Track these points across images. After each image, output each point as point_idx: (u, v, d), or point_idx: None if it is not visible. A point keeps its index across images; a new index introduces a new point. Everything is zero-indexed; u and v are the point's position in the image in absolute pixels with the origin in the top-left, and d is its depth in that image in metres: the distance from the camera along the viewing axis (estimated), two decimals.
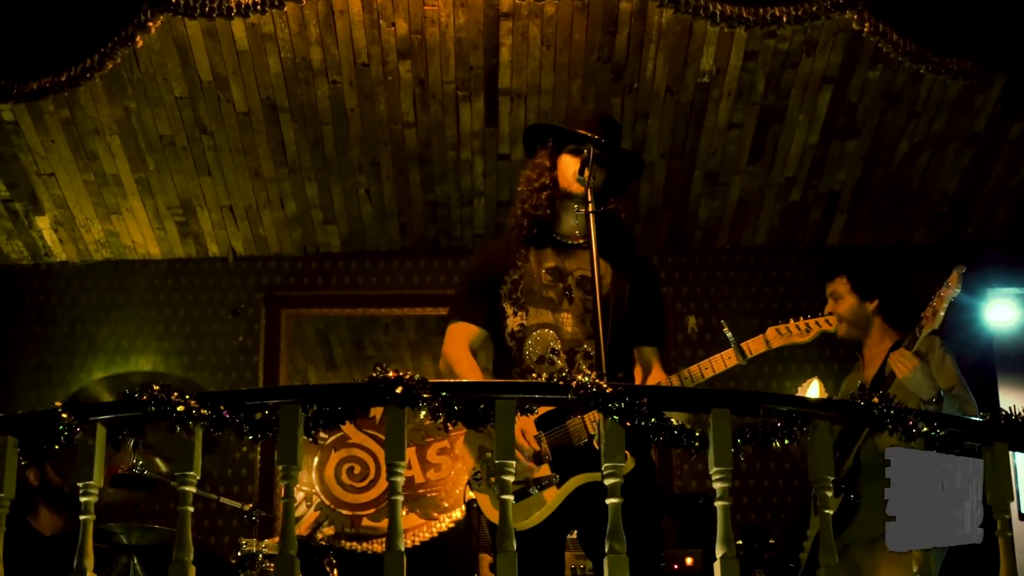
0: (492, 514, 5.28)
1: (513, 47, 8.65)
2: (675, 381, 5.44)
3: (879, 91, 8.94)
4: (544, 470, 5.21)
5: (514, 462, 4.08)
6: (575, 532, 5.54)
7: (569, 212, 5.55)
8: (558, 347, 5.38)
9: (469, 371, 5.43)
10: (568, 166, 5.48)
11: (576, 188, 5.37)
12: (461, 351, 5.52)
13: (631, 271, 5.54)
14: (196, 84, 8.82)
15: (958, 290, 6.03)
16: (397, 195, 9.80)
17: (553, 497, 5.20)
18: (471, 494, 5.48)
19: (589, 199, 5.13)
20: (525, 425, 5.12)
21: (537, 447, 5.17)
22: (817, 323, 5.72)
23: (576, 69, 8.81)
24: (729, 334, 5.56)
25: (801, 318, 5.73)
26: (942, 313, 6.05)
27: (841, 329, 6.56)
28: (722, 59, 8.72)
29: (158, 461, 7.01)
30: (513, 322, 5.48)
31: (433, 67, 8.76)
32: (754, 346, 5.61)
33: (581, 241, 5.56)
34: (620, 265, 5.50)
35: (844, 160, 9.51)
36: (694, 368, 5.52)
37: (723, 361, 5.52)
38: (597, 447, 5.08)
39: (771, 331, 5.69)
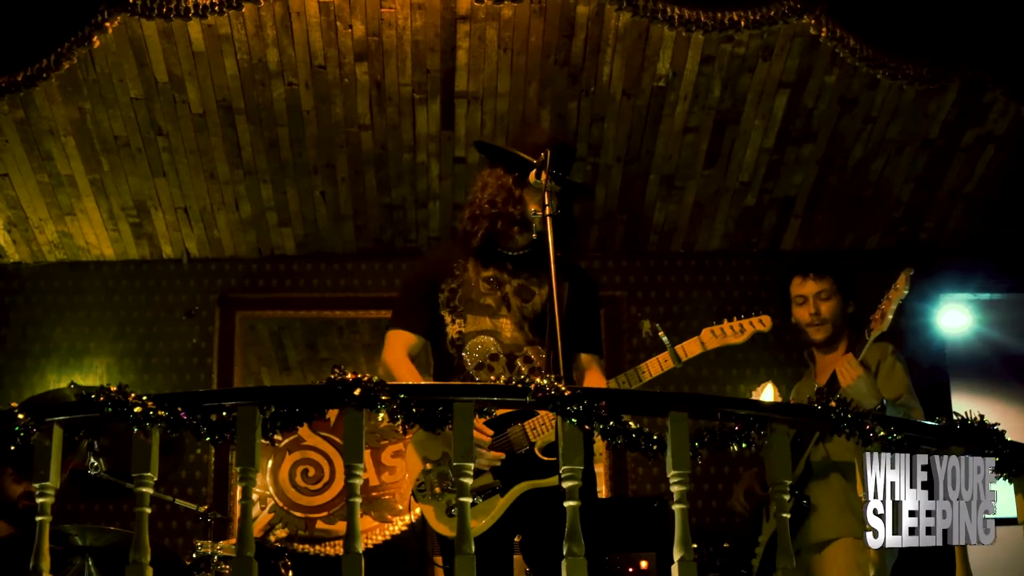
0: (437, 526, 5.31)
1: (470, 50, 8.65)
2: (612, 385, 5.44)
3: (835, 96, 8.98)
4: (486, 478, 5.22)
5: (472, 464, 4.08)
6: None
7: (518, 234, 5.54)
8: (497, 352, 5.39)
9: (408, 376, 5.43)
10: (531, 200, 5.47)
11: (533, 226, 5.34)
12: (400, 357, 5.53)
13: (568, 281, 5.53)
14: (152, 85, 8.79)
15: (906, 292, 6.03)
16: (353, 197, 9.79)
17: (498, 505, 5.21)
18: (416, 507, 5.49)
19: (547, 202, 5.13)
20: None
21: (491, 433, 5.17)
22: (751, 323, 5.71)
23: (533, 72, 8.82)
24: (664, 338, 5.59)
25: (735, 319, 5.73)
26: (890, 316, 6.05)
27: (823, 331, 6.55)
28: (679, 63, 8.74)
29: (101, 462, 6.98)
30: (452, 329, 5.49)
31: (390, 69, 8.76)
32: (689, 348, 5.63)
33: (521, 251, 5.59)
34: (558, 275, 5.51)
35: (799, 165, 9.55)
36: (631, 372, 5.55)
37: (659, 364, 5.53)
38: (539, 454, 5.14)
39: (706, 332, 5.69)
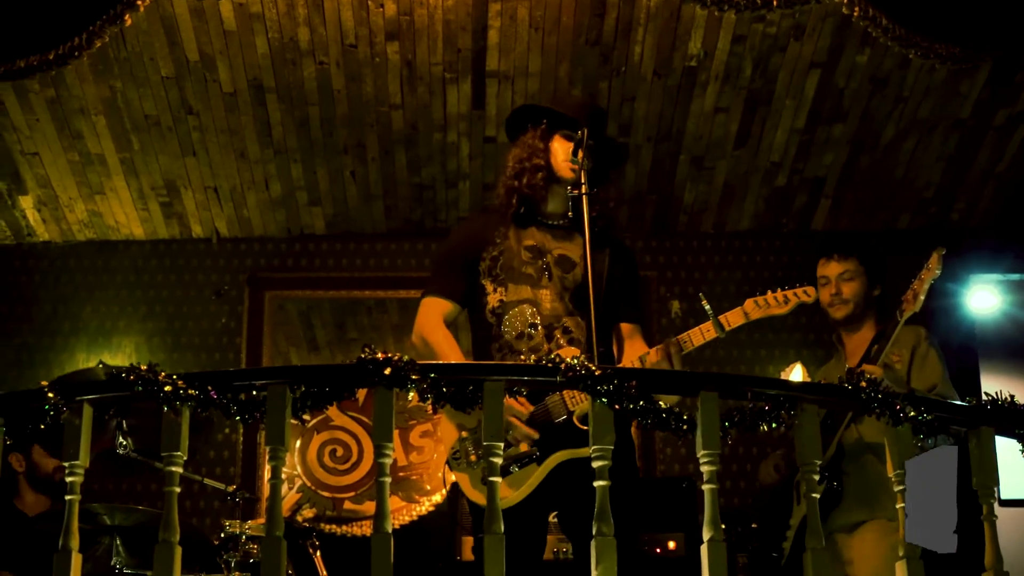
0: (472, 493, 5.29)
1: (501, 29, 8.63)
2: (656, 354, 5.39)
3: (866, 76, 8.94)
4: (524, 447, 5.21)
5: (502, 444, 4.06)
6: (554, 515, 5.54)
7: (555, 194, 5.54)
8: (537, 322, 5.38)
9: (445, 343, 5.42)
10: (560, 150, 5.48)
11: (567, 172, 5.40)
12: (436, 325, 5.51)
13: (609, 251, 5.53)
14: (183, 64, 8.79)
15: (938, 272, 6.01)
16: (383, 177, 9.79)
17: (534, 475, 5.20)
18: (451, 475, 5.48)
19: (583, 180, 5.14)
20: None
21: (530, 408, 5.17)
22: (795, 294, 5.66)
23: (564, 52, 8.80)
24: (707, 307, 5.53)
25: (779, 289, 5.69)
26: (923, 296, 6.02)
27: (843, 310, 6.54)
28: (710, 43, 8.72)
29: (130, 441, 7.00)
30: (493, 298, 5.47)
31: (421, 49, 8.74)
32: (732, 318, 5.56)
33: (561, 222, 5.58)
34: (598, 246, 5.48)
35: (830, 145, 9.51)
36: (672, 341, 5.48)
37: (702, 334, 5.47)
38: (578, 424, 5.12)
39: (749, 303, 5.63)
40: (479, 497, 5.13)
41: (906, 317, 6.08)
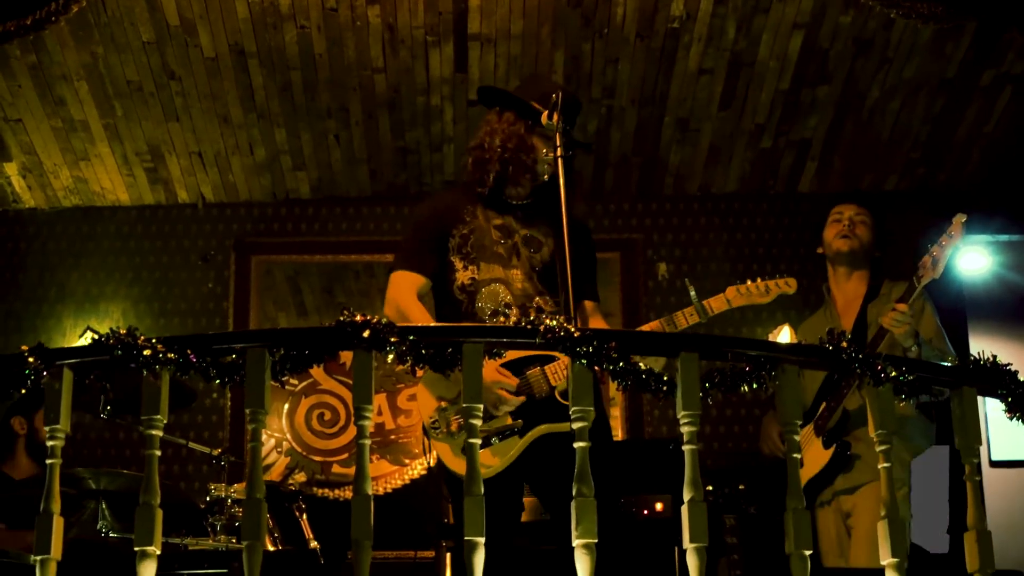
0: (452, 462, 5.34)
1: None
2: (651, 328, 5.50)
3: (850, 37, 8.92)
4: (506, 420, 5.24)
5: (481, 406, 4.06)
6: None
7: (528, 181, 5.59)
8: (509, 301, 5.42)
9: (421, 316, 5.45)
10: (539, 147, 5.52)
11: (544, 170, 5.50)
12: (410, 298, 5.54)
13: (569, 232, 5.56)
14: (163, 29, 8.75)
15: (961, 239, 6.06)
16: (366, 141, 9.77)
17: (516, 447, 5.24)
18: (430, 444, 5.52)
19: (558, 143, 5.16)
20: (494, 364, 5.15)
21: (515, 380, 5.21)
22: (776, 284, 5.76)
23: (546, 14, 8.77)
24: (692, 292, 5.63)
25: (759, 279, 5.77)
26: (943, 263, 6.09)
27: (850, 243, 6.74)
28: (692, 4, 8.68)
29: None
30: (463, 276, 5.51)
31: (402, 12, 8.71)
32: (715, 304, 5.69)
33: (526, 201, 5.65)
34: (559, 228, 5.52)
35: (815, 106, 9.49)
36: (654, 324, 5.60)
37: (684, 318, 5.58)
38: (559, 399, 5.17)
39: (731, 290, 5.74)
40: (460, 466, 5.15)
41: (924, 283, 6.15)
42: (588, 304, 5.71)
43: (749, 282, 5.75)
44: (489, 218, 5.61)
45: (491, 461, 5.19)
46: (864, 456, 6.30)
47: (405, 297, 5.53)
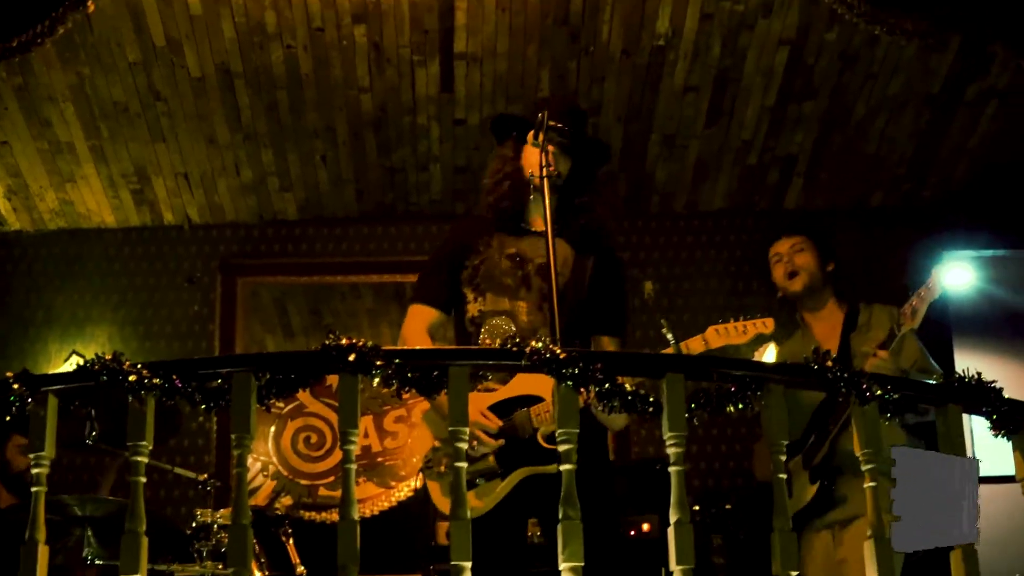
0: (440, 502, 5.31)
1: (468, 10, 8.60)
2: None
3: (836, 53, 8.93)
4: (488, 461, 5.22)
5: (467, 429, 4.04)
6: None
7: (537, 202, 5.46)
8: (515, 334, 5.32)
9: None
10: (531, 155, 5.41)
11: (536, 182, 5.32)
12: (420, 333, 5.47)
13: (594, 258, 5.50)
14: (150, 49, 8.76)
15: (939, 291, 6.09)
16: (353, 161, 9.77)
17: (499, 488, 5.21)
18: (422, 481, 5.51)
19: (543, 163, 5.13)
20: (481, 405, 5.12)
21: (498, 423, 5.17)
22: (754, 325, 5.74)
23: (532, 32, 8.78)
24: (669, 335, 5.62)
25: (739, 319, 5.75)
26: (922, 313, 6.11)
27: (799, 281, 6.66)
28: (678, 21, 8.70)
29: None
30: (473, 308, 5.44)
31: (388, 31, 8.71)
32: (693, 345, 5.63)
33: (543, 228, 5.53)
34: (583, 251, 5.47)
35: (801, 122, 9.50)
36: None
37: None
38: (541, 442, 5.12)
39: (710, 331, 5.72)
40: (446, 506, 5.13)
41: (904, 332, 6.17)
42: (604, 339, 5.52)
43: (731, 322, 5.73)
44: (503, 247, 5.50)
45: (475, 503, 5.12)
46: (855, 489, 6.28)
47: (413, 331, 5.48)
